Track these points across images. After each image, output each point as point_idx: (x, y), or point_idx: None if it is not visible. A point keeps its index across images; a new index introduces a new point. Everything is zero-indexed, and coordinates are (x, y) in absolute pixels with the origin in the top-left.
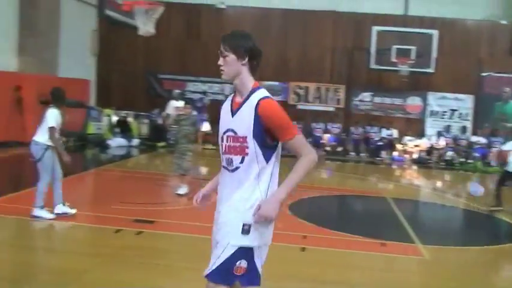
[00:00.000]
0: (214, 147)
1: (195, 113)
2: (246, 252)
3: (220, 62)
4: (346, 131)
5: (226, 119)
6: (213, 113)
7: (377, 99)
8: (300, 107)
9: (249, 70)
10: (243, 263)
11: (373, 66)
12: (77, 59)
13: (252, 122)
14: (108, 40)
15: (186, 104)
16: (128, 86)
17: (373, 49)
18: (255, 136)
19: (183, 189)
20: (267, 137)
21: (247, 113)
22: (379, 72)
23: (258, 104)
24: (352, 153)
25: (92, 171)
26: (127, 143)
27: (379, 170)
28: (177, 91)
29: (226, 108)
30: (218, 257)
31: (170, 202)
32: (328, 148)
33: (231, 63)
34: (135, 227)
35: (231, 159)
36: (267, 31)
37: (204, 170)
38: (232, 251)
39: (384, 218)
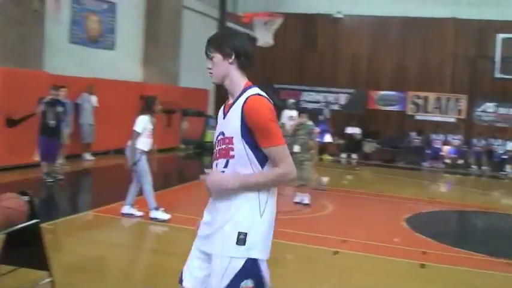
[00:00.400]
0: (332, 157)
1: (310, 122)
2: (250, 268)
3: (208, 64)
4: (467, 143)
5: (219, 124)
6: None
7: (502, 110)
8: (418, 117)
9: (238, 69)
10: (249, 283)
11: (497, 75)
12: (197, 69)
13: (239, 121)
14: None
15: (300, 113)
16: None
17: (497, 57)
18: (243, 137)
19: (305, 199)
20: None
21: (235, 112)
22: (504, 81)
23: (245, 101)
24: (474, 167)
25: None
26: None
27: (503, 185)
28: (291, 101)
29: (220, 112)
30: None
31: (290, 211)
32: (447, 160)
33: (218, 64)
34: None
35: (217, 164)
36: (385, 40)
37: (325, 179)
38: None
39: (509, 236)
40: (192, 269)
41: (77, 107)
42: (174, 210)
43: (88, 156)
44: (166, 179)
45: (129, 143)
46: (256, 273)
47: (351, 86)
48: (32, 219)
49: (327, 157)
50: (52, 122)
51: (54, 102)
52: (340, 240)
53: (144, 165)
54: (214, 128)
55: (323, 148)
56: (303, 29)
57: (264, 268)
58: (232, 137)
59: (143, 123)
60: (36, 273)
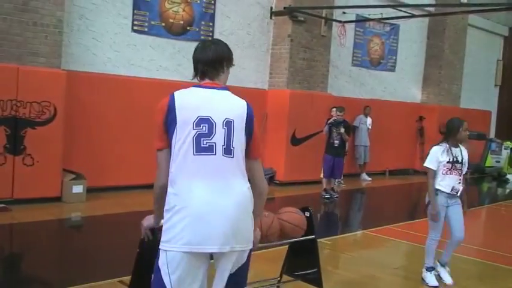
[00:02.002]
0: None
1: None
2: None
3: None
4: None
5: None
6: None
7: None
8: None
9: (196, 77)
10: None
11: None
12: (479, 90)
13: None
14: None
15: None
16: None
17: None
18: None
19: None
20: None
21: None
22: None
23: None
24: None
25: (486, 206)
26: None
27: None
28: None
29: None
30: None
31: None
32: None
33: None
34: None
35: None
36: None
37: None
38: None
39: None
40: None
41: (354, 129)
42: None
43: (366, 176)
44: None
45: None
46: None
47: None
48: (310, 235)
49: None
50: (336, 142)
51: (339, 123)
52: None
53: (432, 210)
54: (496, 152)
55: None
56: None
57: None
58: None
59: (434, 156)
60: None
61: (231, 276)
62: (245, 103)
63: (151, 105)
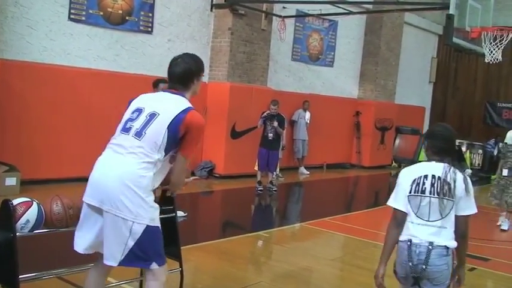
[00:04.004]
0: None
1: None
2: None
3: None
4: None
5: None
6: None
7: None
8: None
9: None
10: None
11: None
12: (413, 86)
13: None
14: (446, 67)
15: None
16: (464, 114)
17: None
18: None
19: (505, 225)
20: None
21: None
22: None
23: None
24: None
25: None
26: None
27: None
28: None
29: None
30: None
31: (497, 239)
32: None
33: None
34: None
35: None
36: None
37: None
38: None
39: None
40: None
41: (292, 123)
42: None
43: (304, 170)
44: (378, 196)
45: None
46: None
47: None
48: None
49: None
50: (271, 135)
51: (273, 116)
52: None
53: None
54: None
55: None
56: None
57: None
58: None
59: None
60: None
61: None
62: (183, 108)
63: (88, 95)
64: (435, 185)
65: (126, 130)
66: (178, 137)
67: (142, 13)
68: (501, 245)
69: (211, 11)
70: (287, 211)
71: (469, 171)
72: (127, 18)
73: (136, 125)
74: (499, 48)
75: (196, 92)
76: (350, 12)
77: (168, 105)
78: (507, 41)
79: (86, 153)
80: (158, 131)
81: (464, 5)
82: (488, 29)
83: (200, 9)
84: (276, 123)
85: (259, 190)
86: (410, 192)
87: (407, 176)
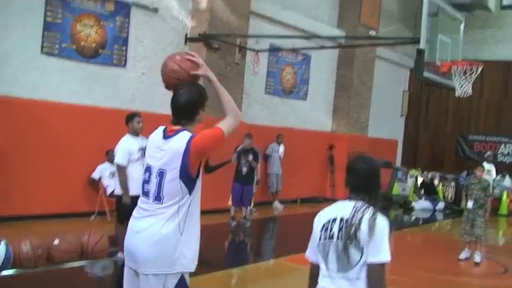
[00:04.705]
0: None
1: (488, 177)
2: None
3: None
4: None
5: None
6: None
7: None
8: None
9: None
10: None
11: None
12: (386, 119)
13: None
14: (418, 100)
15: (480, 166)
16: (436, 147)
17: None
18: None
19: (476, 257)
20: None
21: None
22: None
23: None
24: None
25: (393, 233)
26: (431, 206)
27: None
28: (489, 153)
29: None
30: None
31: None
32: None
33: None
34: None
35: None
36: None
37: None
38: None
39: None
40: None
41: (266, 157)
42: None
43: (278, 204)
44: None
45: None
46: None
47: None
48: None
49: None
50: (245, 169)
51: (247, 151)
52: None
53: None
54: (402, 180)
55: None
56: (503, 76)
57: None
58: None
59: None
60: None
61: None
62: (185, 146)
63: (60, 130)
64: (343, 229)
65: (145, 194)
66: (196, 168)
67: (116, 46)
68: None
69: (185, 44)
70: (261, 246)
71: (442, 204)
72: (100, 51)
73: (152, 188)
74: (468, 82)
75: (201, 121)
76: (323, 47)
77: (171, 155)
78: (476, 74)
79: (56, 189)
80: (173, 188)
81: (434, 39)
82: (458, 63)
83: (174, 42)
84: (250, 157)
85: (233, 226)
86: (320, 239)
87: (318, 220)
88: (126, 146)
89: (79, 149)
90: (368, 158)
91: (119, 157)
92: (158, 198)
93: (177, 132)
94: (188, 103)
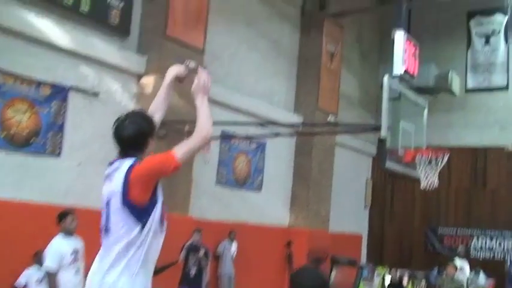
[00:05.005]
0: None
1: (462, 276)
2: None
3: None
4: None
5: None
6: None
7: None
8: None
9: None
10: None
11: None
12: (348, 212)
13: None
14: (382, 190)
15: (451, 263)
16: (404, 241)
17: None
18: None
19: None
20: None
21: None
22: None
23: None
24: None
25: None
26: None
27: None
28: (461, 247)
29: None
30: None
31: None
32: None
33: None
34: None
35: None
36: None
37: None
38: None
39: None
40: None
41: (216, 257)
42: None
43: None
44: None
45: None
46: None
47: None
48: None
49: None
50: (193, 271)
51: (197, 248)
52: None
53: None
54: (368, 279)
55: None
56: (471, 164)
57: None
58: None
59: None
60: None
61: None
62: (125, 172)
63: None
64: None
65: (101, 230)
66: (139, 194)
67: (50, 134)
68: None
69: None
70: None
71: None
72: (32, 139)
73: (103, 220)
74: (435, 172)
75: (151, 151)
76: (278, 134)
77: (115, 181)
78: (442, 164)
79: None
80: (117, 216)
81: (397, 125)
82: (423, 152)
83: None
84: (202, 253)
85: None
86: None
87: None
88: (57, 248)
89: (2, 251)
90: (317, 273)
91: (49, 260)
92: (107, 229)
93: (124, 158)
94: (136, 135)
